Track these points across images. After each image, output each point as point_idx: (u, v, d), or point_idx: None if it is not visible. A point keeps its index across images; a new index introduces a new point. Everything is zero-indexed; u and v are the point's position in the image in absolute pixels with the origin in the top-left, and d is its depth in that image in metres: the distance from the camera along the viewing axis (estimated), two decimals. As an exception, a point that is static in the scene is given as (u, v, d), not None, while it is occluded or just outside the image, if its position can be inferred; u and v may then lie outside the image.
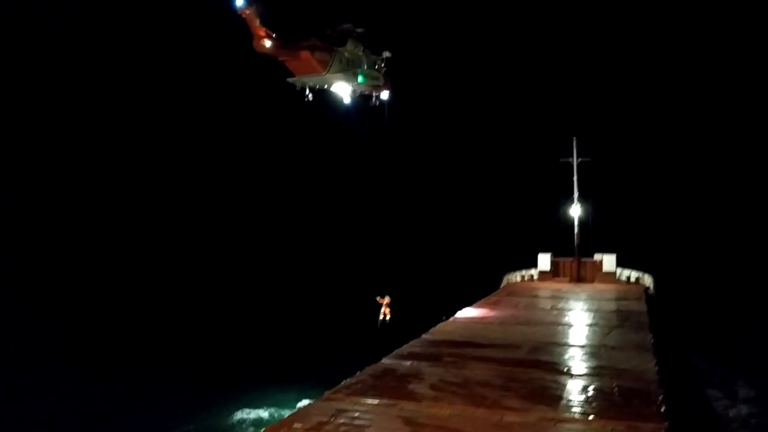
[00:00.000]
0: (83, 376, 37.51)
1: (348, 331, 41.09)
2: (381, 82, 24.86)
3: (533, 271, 44.87)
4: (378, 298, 26.73)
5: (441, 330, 25.93)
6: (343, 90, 23.41)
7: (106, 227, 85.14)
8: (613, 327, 26.32)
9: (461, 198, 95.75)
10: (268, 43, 19.51)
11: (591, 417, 14.50)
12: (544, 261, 44.47)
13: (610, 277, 42.70)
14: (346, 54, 22.53)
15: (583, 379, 17.83)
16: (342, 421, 14.38)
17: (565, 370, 18.96)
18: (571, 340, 23.67)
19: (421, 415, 14.69)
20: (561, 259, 44.71)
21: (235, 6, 18.62)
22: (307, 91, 22.55)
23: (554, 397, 16.04)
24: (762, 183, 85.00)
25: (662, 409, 14.90)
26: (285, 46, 20.37)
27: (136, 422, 31.11)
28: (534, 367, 19.27)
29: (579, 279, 43.06)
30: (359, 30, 23.08)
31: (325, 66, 21.60)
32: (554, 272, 44.33)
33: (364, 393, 16.58)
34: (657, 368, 18.96)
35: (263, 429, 14.86)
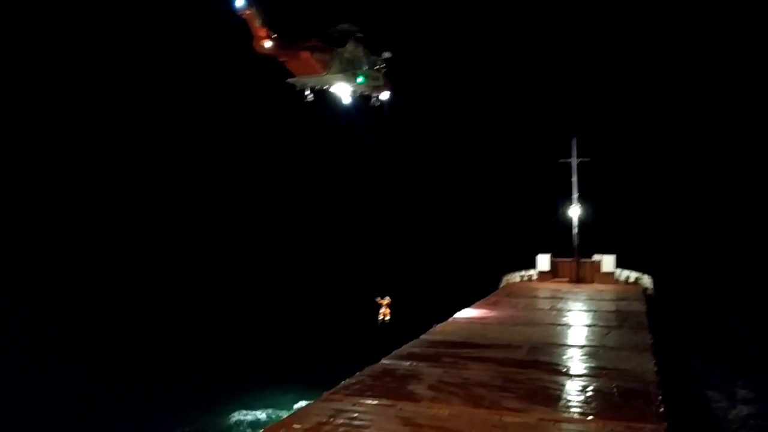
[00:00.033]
0: (82, 376, 37.50)
1: (347, 332, 41.11)
2: (381, 82, 24.85)
3: (532, 272, 44.89)
4: (377, 299, 26.75)
5: (440, 330, 25.95)
6: (342, 90, 23.41)
7: (106, 227, 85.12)
8: (613, 327, 26.36)
9: (461, 198, 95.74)
10: (268, 44, 19.51)
11: (590, 417, 14.52)
12: (544, 261, 44.50)
13: (610, 277, 42.72)
14: (346, 54, 22.53)
15: (582, 380, 17.85)
16: (341, 421, 14.40)
17: (564, 370, 18.99)
18: (570, 341, 23.70)
19: (420, 416, 14.71)
20: (560, 260, 44.72)
21: (235, 6, 18.62)
22: (307, 92, 22.55)
23: (553, 398, 16.06)
24: (761, 183, 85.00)
25: (661, 410, 14.92)
26: (285, 46, 20.38)
27: (134, 423, 31.11)
28: (533, 367, 19.30)
29: (578, 279, 43.07)
30: (359, 31, 23.10)
31: (325, 66, 21.61)
32: (553, 273, 44.35)
33: (363, 393, 16.60)
34: (656, 369, 19.00)
35: (261, 430, 14.88)
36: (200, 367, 39.86)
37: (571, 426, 14.01)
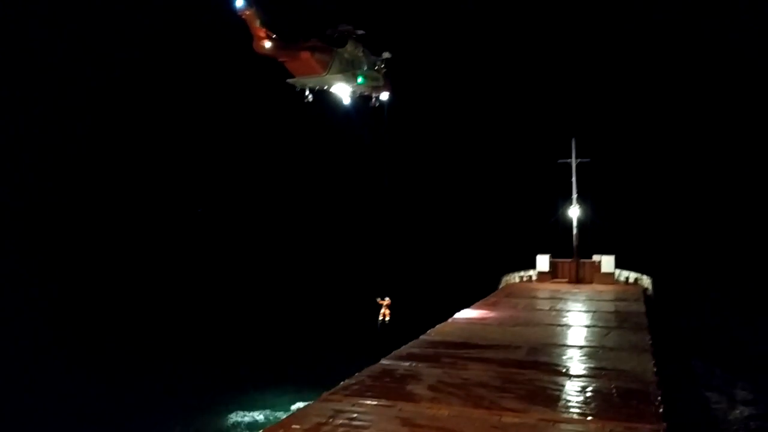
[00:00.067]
0: (81, 377, 37.48)
1: (346, 332, 41.08)
2: (381, 83, 24.84)
3: (532, 272, 44.88)
4: (378, 299, 26.75)
5: (439, 331, 25.94)
6: (342, 91, 23.40)
7: (107, 228, 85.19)
8: (612, 328, 26.36)
9: (460, 199, 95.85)
10: (268, 44, 19.49)
11: (589, 418, 14.54)
12: (543, 262, 44.49)
13: (609, 278, 42.71)
14: (346, 55, 22.51)
15: (582, 380, 17.86)
16: (340, 422, 14.41)
17: (564, 371, 19.00)
18: (569, 341, 23.70)
19: (420, 416, 14.72)
20: (560, 260, 44.71)
21: (235, 7, 18.61)
22: (307, 92, 22.54)
23: (553, 398, 16.07)
24: (761, 184, 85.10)
25: (660, 410, 14.94)
26: (285, 47, 20.36)
27: (131, 424, 31.06)
28: (532, 368, 19.31)
29: (578, 280, 43.08)
30: (359, 31, 23.10)
31: (325, 67, 21.59)
32: (553, 273, 44.34)
33: (363, 394, 16.61)
34: (655, 369, 19.01)
35: (260, 431, 14.88)
36: (198, 368, 39.80)
37: (570, 426, 14.02)
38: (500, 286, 43.89)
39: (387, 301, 26.65)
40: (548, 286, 41.41)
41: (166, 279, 70.08)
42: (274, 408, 31.60)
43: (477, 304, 33.44)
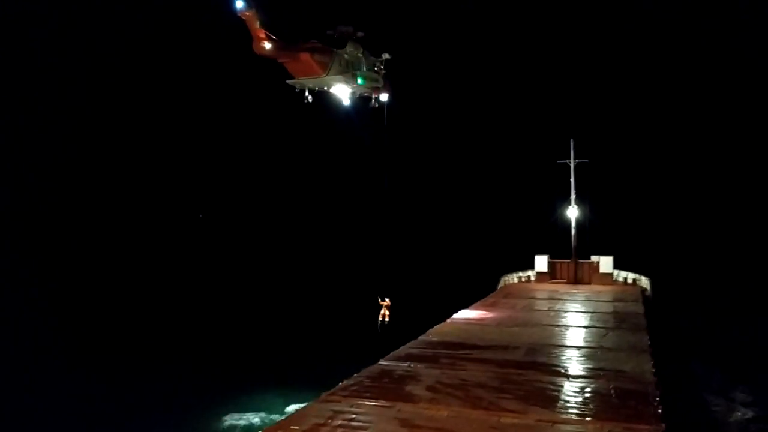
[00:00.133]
0: (79, 377, 37.48)
1: (345, 333, 41.07)
2: (380, 83, 24.89)
3: (530, 273, 44.92)
4: (380, 300, 26.76)
5: (438, 332, 25.99)
6: (342, 92, 23.44)
7: (107, 229, 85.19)
8: (611, 328, 26.41)
9: (459, 199, 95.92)
10: (267, 45, 19.54)
11: (588, 418, 14.57)
12: (542, 262, 44.53)
13: (608, 278, 42.76)
14: (346, 56, 22.56)
15: (580, 381, 17.90)
16: (339, 422, 14.43)
17: (563, 371, 19.04)
18: (568, 342, 23.74)
19: (419, 417, 14.75)
20: (558, 261, 44.76)
21: (235, 8, 18.65)
22: (307, 93, 22.58)
23: (551, 399, 16.11)
24: (760, 184, 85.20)
25: (659, 411, 14.97)
26: (285, 48, 20.41)
27: (129, 425, 31.05)
28: (531, 368, 19.35)
29: (576, 280, 43.12)
30: (359, 32, 23.14)
31: (325, 68, 21.63)
32: (551, 274, 44.39)
33: (362, 394, 16.63)
34: (654, 370, 19.05)
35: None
36: (196, 369, 39.80)
37: (569, 427, 14.04)
38: (499, 287, 43.93)
39: (387, 302, 26.69)
40: (547, 287, 41.44)
41: (166, 280, 70.04)
42: (270, 410, 31.57)
43: (475, 304, 33.47)
